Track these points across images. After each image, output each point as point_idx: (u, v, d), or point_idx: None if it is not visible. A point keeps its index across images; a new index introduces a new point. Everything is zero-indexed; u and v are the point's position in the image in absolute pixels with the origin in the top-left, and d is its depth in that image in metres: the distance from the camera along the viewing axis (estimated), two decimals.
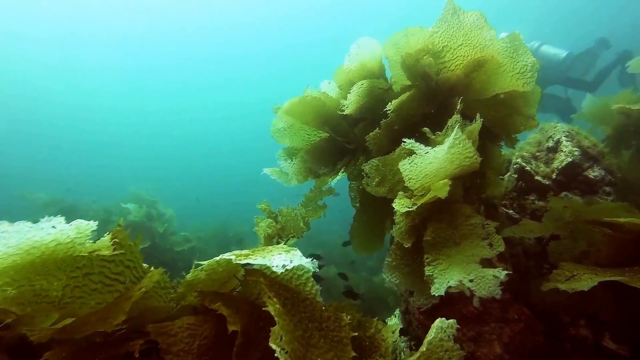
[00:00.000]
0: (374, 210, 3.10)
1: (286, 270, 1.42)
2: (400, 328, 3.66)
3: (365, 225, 3.10)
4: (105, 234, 1.56)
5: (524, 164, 3.36)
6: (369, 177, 2.52)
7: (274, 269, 1.35)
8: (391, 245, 3.26)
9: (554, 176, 3.09)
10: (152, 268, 1.91)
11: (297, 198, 3.24)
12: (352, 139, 3.08)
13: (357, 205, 3.36)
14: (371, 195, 3.16)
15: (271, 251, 1.50)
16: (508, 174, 3.58)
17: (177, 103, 48.64)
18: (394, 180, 2.42)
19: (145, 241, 8.36)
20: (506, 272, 1.74)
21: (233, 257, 1.42)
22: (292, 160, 3.18)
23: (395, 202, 2.12)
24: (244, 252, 1.49)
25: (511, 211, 3.25)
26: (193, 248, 8.93)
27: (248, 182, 41.86)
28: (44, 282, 1.41)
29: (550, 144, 3.36)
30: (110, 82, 43.79)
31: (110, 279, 1.59)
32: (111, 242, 1.45)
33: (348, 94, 2.75)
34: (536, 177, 3.23)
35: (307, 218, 2.82)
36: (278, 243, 2.87)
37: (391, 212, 2.78)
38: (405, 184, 2.18)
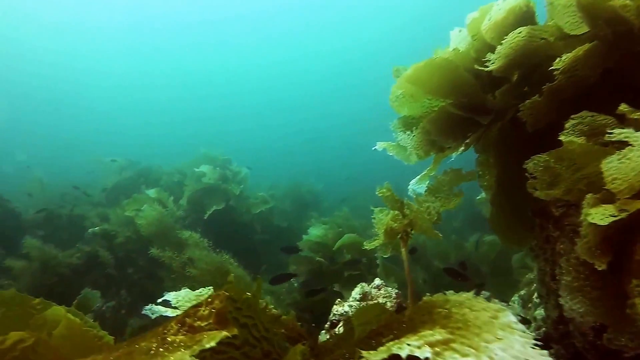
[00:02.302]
0: (515, 192, 2.63)
1: None
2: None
3: (506, 211, 2.65)
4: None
5: None
6: (535, 178, 2.04)
7: None
8: (535, 239, 2.82)
9: None
10: (268, 305, 1.60)
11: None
12: (491, 104, 2.57)
13: (486, 184, 2.91)
14: (511, 174, 2.70)
15: (484, 331, 1.02)
16: None
17: (240, 59, 48.90)
18: (573, 178, 1.92)
19: (219, 203, 8.45)
20: None
21: (430, 356, 0.90)
22: (411, 132, 2.75)
23: (591, 212, 1.64)
24: (438, 335, 0.99)
25: None
26: (271, 210, 8.92)
27: (319, 138, 41.84)
28: None
29: None
30: (175, 41, 45.00)
31: (221, 344, 1.15)
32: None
33: (499, 46, 2.24)
34: None
35: (440, 210, 2.43)
36: (403, 240, 2.52)
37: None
38: (607, 186, 1.68)
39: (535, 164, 2.04)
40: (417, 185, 3.10)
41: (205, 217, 8.12)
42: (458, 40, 2.68)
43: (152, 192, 7.71)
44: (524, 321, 3.32)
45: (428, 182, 3.07)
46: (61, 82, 45.60)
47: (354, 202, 13.12)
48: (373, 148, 2.87)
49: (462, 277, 4.28)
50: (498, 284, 6.79)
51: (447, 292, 1.34)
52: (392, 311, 1.42)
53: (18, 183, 10.33)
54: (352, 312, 2.33)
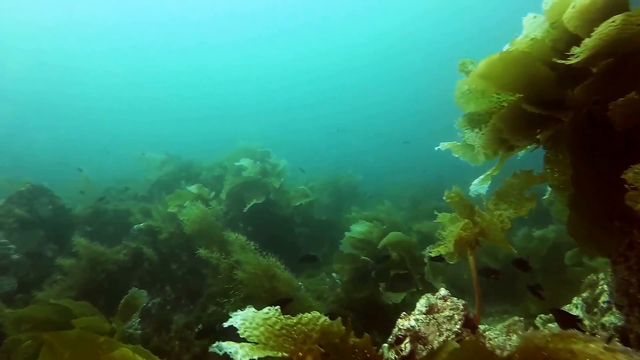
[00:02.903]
0: (595, 193, 2.39)
1: None
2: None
3: (586, 214, 2.42)
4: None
5: None
6: (635, 189, 1.81)
7: None
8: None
9: None
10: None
11: None
12: (570, 99, 2.32)
13: (556, 183, 2.67)
14: (590, 174, 2.47)
15: None
16: None
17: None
18: None
19: (259, 197, 8.41)
20: None
21: None
22: (479, 130, 2.54)
23: None
24: None
25: None
26: (311, 203, 8.81)
27: (354, 130, 41.81)
28: None
29: None
30: (209, 39, 46.76)
31: None
32: None
33: (585, 37, 1.99)
34: None
35: (512, 217, 2.23)
36: (471, 248, 2.34)
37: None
38: None
39: (636, 173, 1.80)
40: (479, 186, 2.90)
41: (245, 211, 8.10)
42: (532, 28, 2.44)
43: (193, 188, 7.76)
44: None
45: (490, 182, 2.87)
46: (100, 85, 47.79)
47: (388, 194, 12.95)
48: (436, 148, 2.68)
49: (494, 274, 4.12)
50: (551, 282, 6.46)
51: (558, 330, 1.17)
52: (491, 352, 1.25)
53: (58, 180, 10.72)
54: (418, 326, 2.18)
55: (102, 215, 8.69)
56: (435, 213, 2.47)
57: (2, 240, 6.70)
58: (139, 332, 5.11)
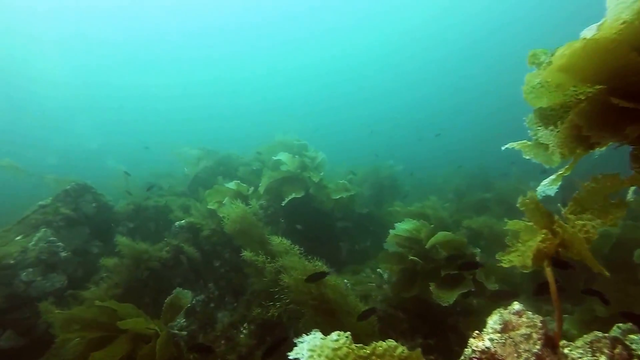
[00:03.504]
0: None
1: None
2: None
3: None
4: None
5: None
6: None
7: None
8: None
9: None
10: None
11: None
12: None
13: None
14: None
15: None
16: None
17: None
18: None
19: (299, 192, 8.33)
20: None
21: None
22: (554, 127, 2.31)
23: None
24: None
25: None
26: (352, 197, 8.64)
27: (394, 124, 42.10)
28: None
29: None
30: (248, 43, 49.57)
31: None
32: None
33: None
34: None
35: (599, 227, 2.02)
36: (549, 259, 2.15)
37: None
38: None
39: None
40: (547, 187, 2.67)
41: (284, 205, 8.04)
42: (618, 10, 2.17)
43: (232, 185, 7.76)
44: None
45: (560, 183, 2.63)
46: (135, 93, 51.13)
47: (430, 185, 12.64)
48: (503, 148, 2.47)
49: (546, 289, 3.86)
50: (616, 283, 6.05)
51: None
52: None
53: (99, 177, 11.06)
54: (494, 347, 2.02)
55: (144, 211, 8.90)
56: (505, 220, 2.28)
57: (51, 239, 6.93)
58: (185, 332, 5.16)
